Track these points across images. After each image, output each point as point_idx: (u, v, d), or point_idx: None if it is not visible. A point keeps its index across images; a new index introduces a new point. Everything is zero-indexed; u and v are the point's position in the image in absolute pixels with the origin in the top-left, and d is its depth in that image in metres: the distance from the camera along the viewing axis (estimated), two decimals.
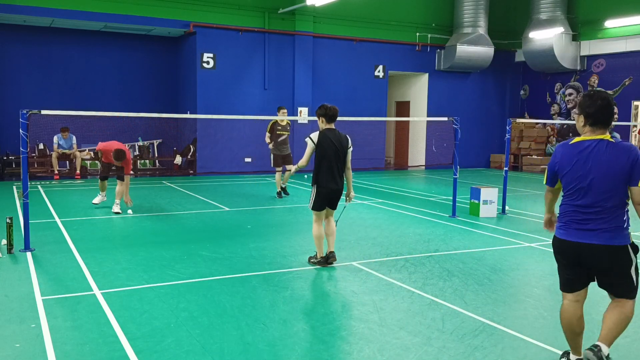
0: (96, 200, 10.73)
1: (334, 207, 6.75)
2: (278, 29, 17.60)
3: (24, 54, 16.45)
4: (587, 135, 3.79)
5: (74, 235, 8.12)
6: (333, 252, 6.76)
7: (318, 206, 6.61)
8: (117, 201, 10.16)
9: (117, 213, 9.98)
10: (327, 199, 6.59)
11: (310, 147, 6.56)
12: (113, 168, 10.23)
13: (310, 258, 6.86)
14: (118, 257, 6.91)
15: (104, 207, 10.51)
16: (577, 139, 3.84)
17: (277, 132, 11.91)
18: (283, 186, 12.36)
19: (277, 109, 12.22)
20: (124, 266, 6.52)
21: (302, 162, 6.73)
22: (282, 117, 11.56)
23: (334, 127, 6.63)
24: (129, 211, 10.12)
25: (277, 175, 12.28)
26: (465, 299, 5.55)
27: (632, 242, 3.81)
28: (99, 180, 10.60)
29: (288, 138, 12.15)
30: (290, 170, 6.51)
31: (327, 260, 6.67)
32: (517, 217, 10.45)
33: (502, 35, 21.18)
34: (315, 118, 6.73)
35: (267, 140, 12.11)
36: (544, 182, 4.12)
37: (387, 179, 16.81)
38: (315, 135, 6.55)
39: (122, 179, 10.12)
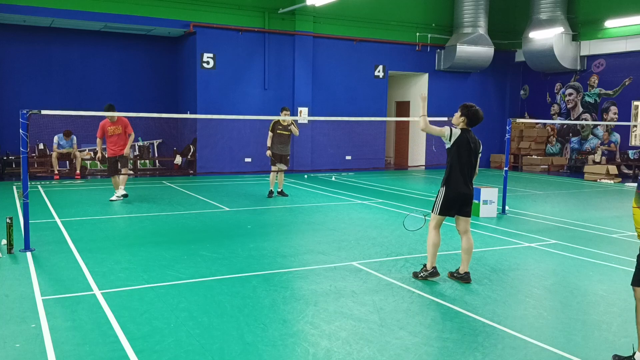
0: (114, 197, 11.29)
1: (466, 213, 6.11)
2: (278, 29, 17.60)
3: (24, 54, 16.46)
4: None
5: (74, 235, 8.12)
6: (469, 272, 6.13)
7: (443, 210, 6.02)
8: (122, 186, 11.29)
9: (125, 195, 11.25)
10: (455, 204, 6.03)
11: (443, 131, 5.93)
12: (116, 159, 11.11)
13: (416, 273, 6.20)
14: (118, 257, 6.90)
15: (104, 207, 10.53)
16: None
17: (278, 132, 11.99)
18: (279, 189, 12.40)
19: (280, 109, 12.27)
20: (124, 266, 6.52)
21: (423, 123, 6.02)
22: (285, 117, 11.65)
23: (470, 129, 6.10)
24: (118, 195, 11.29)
25: (272, 175, 12.29)
26: (465, 299, 5.55)
27: None
28: (111, 178, 11.49)
29: (289, 139, 12.16)
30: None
31: (462, 279, 6.12)
32: (517, 217, 10.45)
33: (502, 35, 21.19)
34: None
35: (269, 143, 12.09)
36: None
37: (387, 179, 16.81)
38: (456, 134, 5.95)
39: (125, 166, 11.29)
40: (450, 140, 5.96)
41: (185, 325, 4.70)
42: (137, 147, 17.97)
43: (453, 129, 6.00)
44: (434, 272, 6.12)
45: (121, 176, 11.25)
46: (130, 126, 11.17)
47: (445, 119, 10.98)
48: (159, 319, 4.83)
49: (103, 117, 11.24)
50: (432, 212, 6.18)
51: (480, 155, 6.15)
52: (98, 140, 11.25)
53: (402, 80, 21.53)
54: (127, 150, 11.15)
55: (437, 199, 6.13)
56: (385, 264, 6.85)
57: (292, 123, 12.07)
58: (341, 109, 18.41)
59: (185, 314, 4.96)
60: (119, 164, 11.28)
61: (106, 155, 11.28)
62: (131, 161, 16.72)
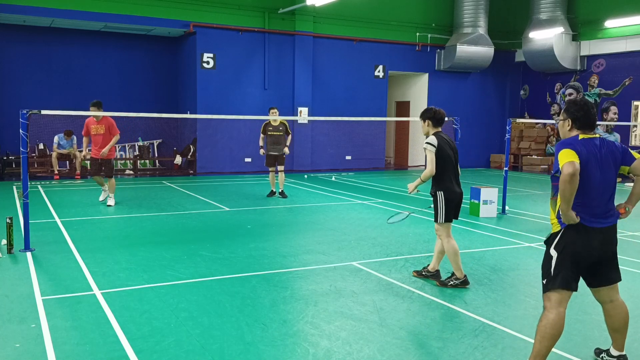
0: (102, 197, 11.08)
1: (457, 215, 6.12)
2: (278, 29, 17.60)
3: (24, 54, 16.46)
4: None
5: (74, 235, 8.12)
6: (439, 270, 6.23)
7: (449, 214, 5.98)
8: (112, 195, 10.84)
9: (110, 205, 10.71)
10: (455, 206, 6.03)
11: (432, 152, 5.87)
12: (99, 162, 10.60)
13: (443, 281, 6.03)
14: (118, 257, 6.90)
15: (104, 207, 10.53)
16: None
17: (269, 133, 12.01)
18: (280, 190, 12.39)
19: (267, 109, 12.33)
20: (124, 266, 6.52)
21: (428, 172, 5.92)
22: (274, 117, 11.65)
23: (440, 129, 6.09)
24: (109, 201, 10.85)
25: (271, 175, 12.33)
26: (465, 299, 5.55)
27: None
28: (94, 178, 11.11)
29: (282, 138, 12.08)
30: (409, 183, 5.67)
31: (433, 277, 6.15)
32: (517, 217, 10.45)
33: (502, 35, 21.18)
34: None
35: (261, 142, 12.20)
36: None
37: (387, 179, 16.81)
38: (433, 139, 5.91)
39: (110, 176, 10.74)
40: (435, 147, 5.89)
41: (185, 325, 4.70)
42: (137, 147, 17.99)
43: (429, 140, 5.94)
44: (465, 281, 5.98)
45: (108, 182, 10.74)
46: (116, 127, 10.47)
47: (445, 119, 10.98)
48: (159, 319, 4.83)
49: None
50: (438, 222, 6.03)
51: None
52: (84, 138, 10.64)
53: (402, 80, 21.53)
54: (104, 150, 10.24)
55: (438, 207, 6.00)
56: (385, 264, 6.85)
57: (284, 140, 12.10)
58: (341, 109, 18.41)
59: (185, 314, 4.96)
60: (104, 169, 10.64)
61: (90, 156, 10.69)
62: (130, 161, 16.74)
